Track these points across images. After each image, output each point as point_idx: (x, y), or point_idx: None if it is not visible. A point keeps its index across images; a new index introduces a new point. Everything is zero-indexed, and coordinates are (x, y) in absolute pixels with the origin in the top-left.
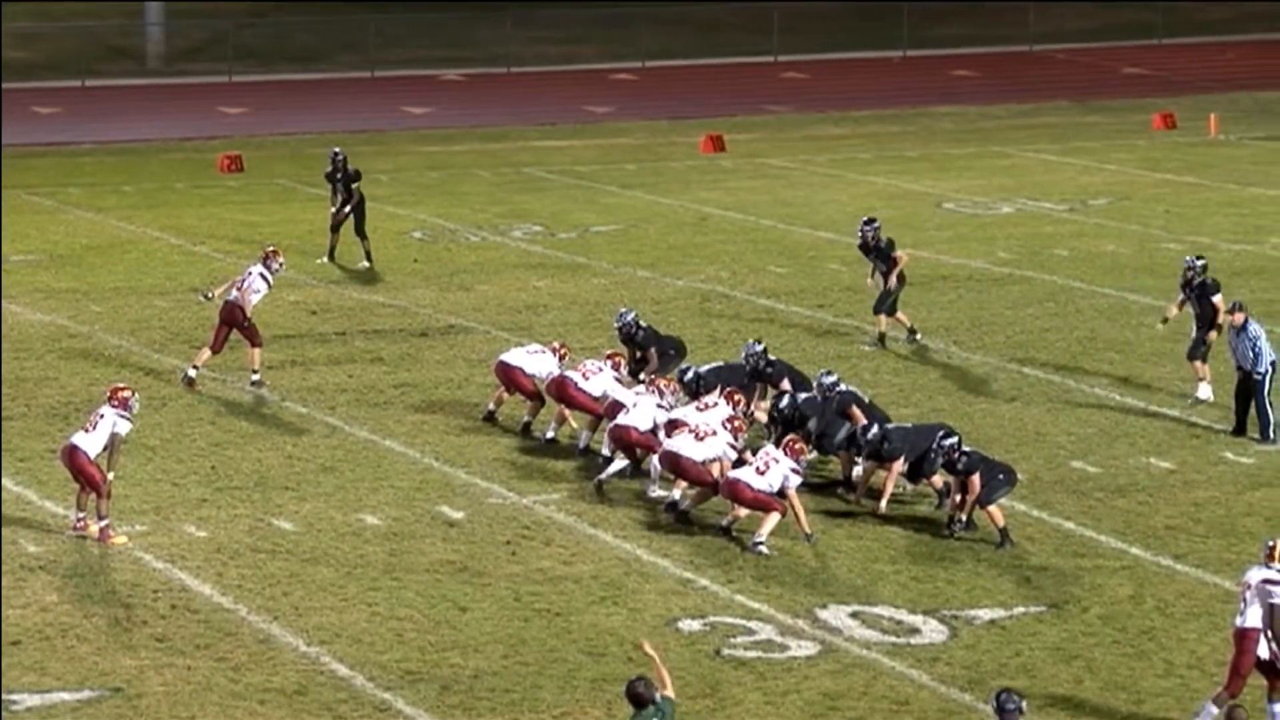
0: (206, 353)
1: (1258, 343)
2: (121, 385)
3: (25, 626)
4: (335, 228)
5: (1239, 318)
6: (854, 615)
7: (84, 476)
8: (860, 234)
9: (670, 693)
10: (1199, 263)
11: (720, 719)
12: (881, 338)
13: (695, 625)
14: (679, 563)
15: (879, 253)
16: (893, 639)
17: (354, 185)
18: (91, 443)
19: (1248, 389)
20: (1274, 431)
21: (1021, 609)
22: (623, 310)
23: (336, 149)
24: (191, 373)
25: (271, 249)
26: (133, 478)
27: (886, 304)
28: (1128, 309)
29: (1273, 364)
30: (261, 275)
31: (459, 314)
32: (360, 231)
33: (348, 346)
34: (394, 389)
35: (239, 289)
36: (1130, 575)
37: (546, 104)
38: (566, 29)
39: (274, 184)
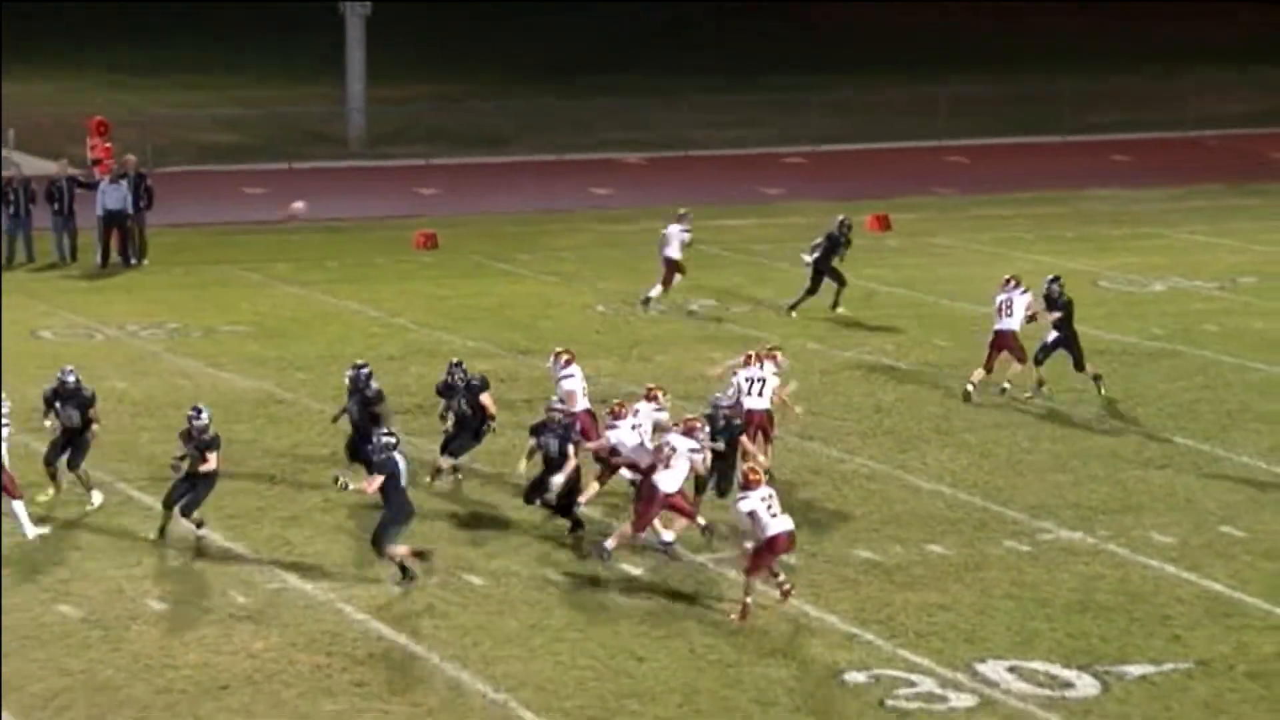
0: (980, 371)
1: None
2: (691, 417)
3: (234, 672)
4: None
5: None
6: (1011, 669)
7: (676, 509)
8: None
9: None
10: None
11: None
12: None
13: (860, 677)
14: (844, 618)
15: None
16: (1048, 692)
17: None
18: (669, 479)
19: None
20: None
21: (1171, 665)
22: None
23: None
24: (969, 388)
25: None
26: (334, 534)
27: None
28: (1276, 382)
29: None
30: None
31: (639, 382)
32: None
33: (534, 413)
34: None
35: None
36: (1277, 634)
37: (721, 185)
38: (739, 113)
39: (466, 259)
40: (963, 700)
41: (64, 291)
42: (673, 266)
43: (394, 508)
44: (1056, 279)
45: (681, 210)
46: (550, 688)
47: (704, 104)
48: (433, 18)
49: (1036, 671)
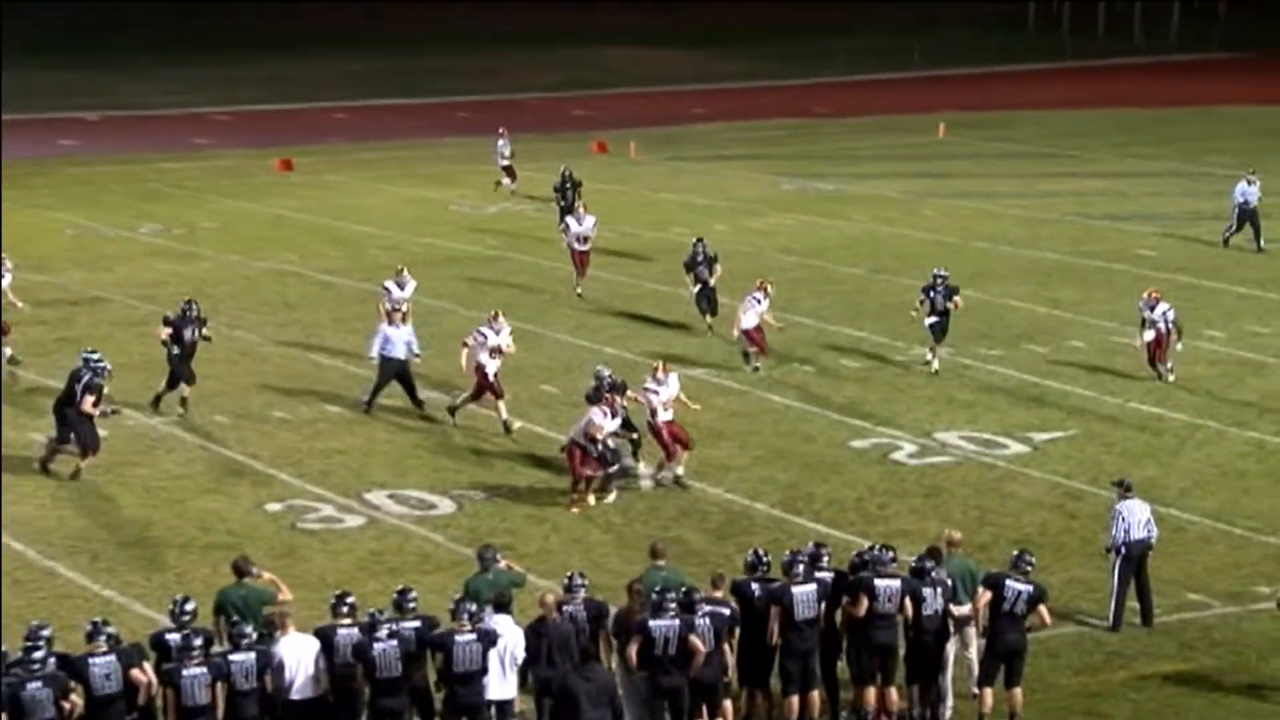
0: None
1: None
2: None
3: None
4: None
5: None
6: (390, 496)
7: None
8: None
9: (286, 595)
10: (943, 273)
11: (297, 573)
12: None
13: (277, 507)
14: (262, 462)
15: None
16: (418, 512)
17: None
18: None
19: None
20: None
21: (507, 487)
22: None
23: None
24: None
25: None
26: None
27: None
28: (597, 286)
29: None
30: None
31: (102, 289)
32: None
33: (19, 313)
34: (54, 343)
35: None
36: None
37: (161, 137)
38: (183, 84)
39: None
40: (355, 521)
41: None
42: (509, 171)
43: None
44: (700, 240)
45: (500, 129)
46: (37, 525)
47: (155, 77)
48: None
49: (410, 497)
